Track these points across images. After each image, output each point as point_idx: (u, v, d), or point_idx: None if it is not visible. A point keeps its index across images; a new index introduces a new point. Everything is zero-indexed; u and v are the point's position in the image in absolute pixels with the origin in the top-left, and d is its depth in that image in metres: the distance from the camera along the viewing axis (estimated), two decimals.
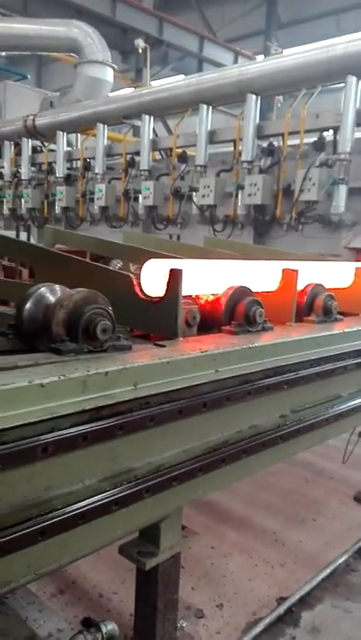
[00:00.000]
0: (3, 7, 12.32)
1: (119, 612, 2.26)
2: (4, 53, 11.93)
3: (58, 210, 10.54)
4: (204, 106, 8.18)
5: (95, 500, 1.31)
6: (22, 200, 11.26)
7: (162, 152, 9.71)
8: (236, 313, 2.01)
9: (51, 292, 1.62)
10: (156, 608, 1.84)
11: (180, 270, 1.82)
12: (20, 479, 1.15)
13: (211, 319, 2.06)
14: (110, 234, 9.29)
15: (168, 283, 1.76)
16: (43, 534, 1.19)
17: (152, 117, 9.10)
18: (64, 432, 1.20)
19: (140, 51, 12.66)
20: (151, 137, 9.15)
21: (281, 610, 2.43)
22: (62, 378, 1.24)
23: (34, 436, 1.15)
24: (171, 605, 1.90)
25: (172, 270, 1.76)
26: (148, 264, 1.85)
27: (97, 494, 1.32)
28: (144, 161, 9.12)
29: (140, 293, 1.86)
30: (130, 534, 1.60)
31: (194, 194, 8.41)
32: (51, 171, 10.98)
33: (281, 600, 2.51)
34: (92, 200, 9.97)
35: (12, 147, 11.63)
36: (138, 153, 9.29)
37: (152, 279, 1.84)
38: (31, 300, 1.59)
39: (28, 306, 1.59)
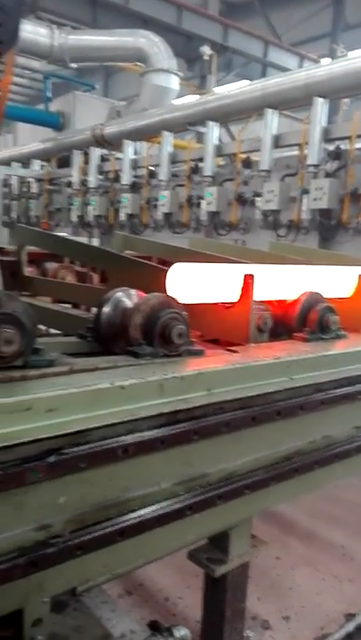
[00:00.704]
0: (73, 20, 12.76)
1: (184, 617, 2.27)
2: (75, 65, 12.28)
3: (123, 216, 10.75)
4: (270, 110, 8.13)
5: (170, 504, 1.32)
6: (89, 207, 11.56)
7: (226, 158, 9.72)
8: (309, 320, 1.97)
9: (127, 297, 1.66)
10: (224, 616, 1.82)
11: (252, 275, 1.81)
12: (102, 479, 1.17)
13: (281, 325, 2.03)
14: (172, 240, 9.37)
15: (242, 288, 1.75)
16: (121, 534, 1.21)
17: (217, 123, 9.12)
18: (143, 434, 1.22)
19: (207, 57, 12.73)
20: (216, 143, 9.18)
21: (350, 627, 2.35)
22: (141, 380, 1.26)
23: (115, 437, 1.18)
24: (238, 614, 1.88)
25: (246, 276, 1.75)
26: (174, 268, 1.76)
27: (172, 498, 1.33)
28: (208, 167, 9.15)
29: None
30: (201, 540, 1.59)
31: (257, 199, 8.36)
32: (116, 178, 11.22)
33: (350, 616, 2.43)
34: (155, 206, 10.11)
35: (82, 156, 11.97)
36: (201, 159, 9.35)
37: (180, 283, 1.75)
38: (109, 305, 1.62)
39: (106, 310, 1.63)
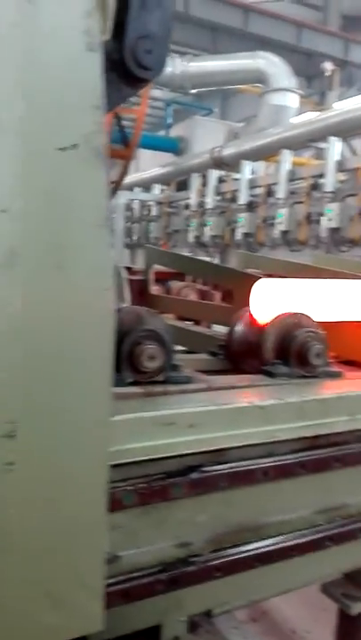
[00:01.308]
0: (194, 48, 13.23)
1: None
2: (194, 90, 12.71)
3: (239, 236, 10.78)
4: None
5: (310, 533, 1.25)
6: (206, 228, 11.75)
7: (347, 173, 9.39)
8: None
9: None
10: None
11: None
12: (240, 500, 1.15)
13: None
14: (290, 258, 9.17)
15: None
16: (259, 560, 1.17)
17: (338, 139, 8.88)
18: (283, 458, 1.18)
19: (329, 73, 12.50)
20: (337, 158, 8.92)
21: None
22: (280, 401, 1.22)
23: (254, 458, 1.15)
24: None
25: None
26: (258, 284, 1.62)
27: (311, 527, 1.26)
28: (329, 183, 8.90)
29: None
30: (338, 574, 1.50)
31: None
32: (233, 199, 11.30)
33: None
34: (272, 225, 10.01)
35: (200, 178, 12.23)
36: (321, 175, 9.11)
37: (264, 301, 1.60)
38: (242, 323, 1.61)
39: (238, 328, 1.61)
